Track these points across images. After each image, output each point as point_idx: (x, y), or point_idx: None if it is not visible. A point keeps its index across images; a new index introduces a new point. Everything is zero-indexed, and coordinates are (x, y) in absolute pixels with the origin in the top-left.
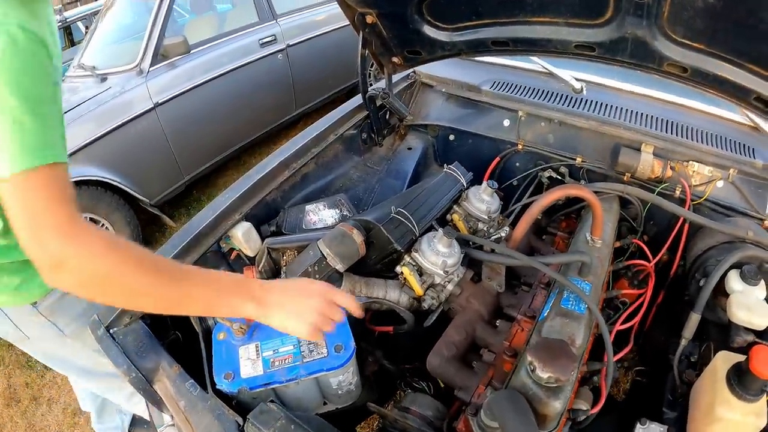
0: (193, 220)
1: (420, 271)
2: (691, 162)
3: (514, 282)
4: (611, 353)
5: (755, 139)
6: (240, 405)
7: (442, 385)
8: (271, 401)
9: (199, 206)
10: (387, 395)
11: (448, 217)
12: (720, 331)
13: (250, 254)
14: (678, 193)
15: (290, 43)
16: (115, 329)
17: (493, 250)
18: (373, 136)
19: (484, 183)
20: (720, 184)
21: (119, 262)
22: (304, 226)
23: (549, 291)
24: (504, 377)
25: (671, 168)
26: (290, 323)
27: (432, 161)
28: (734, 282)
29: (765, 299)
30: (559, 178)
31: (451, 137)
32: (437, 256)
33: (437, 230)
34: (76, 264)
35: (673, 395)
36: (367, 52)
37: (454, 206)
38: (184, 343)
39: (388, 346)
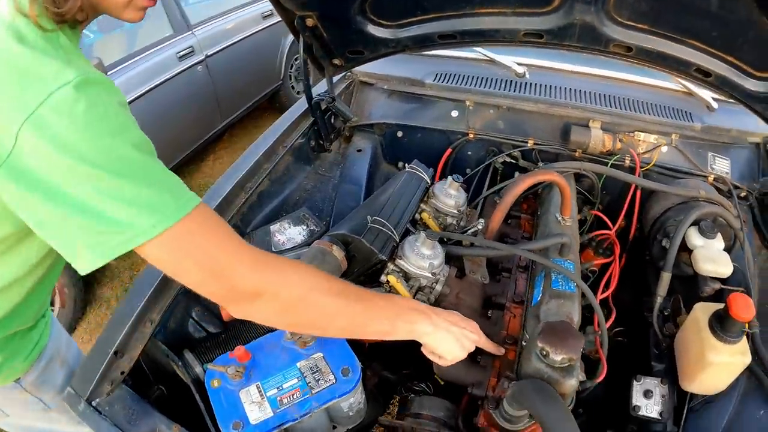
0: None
1: (406, 277)
2: (636, 132)
3: (492, 270)
4: (604, 323)
5: (690, 104)
6: None
7: (441, 383)
8: None
9: None
10: (386, 404)
11: (417, 216)
12: (684, 283)
13: None
14: (628, 162)
15: (209, 54)
16: (97, 401)
17: (472, 244)
18: (321, 142)
19: (449, 178)
20: (665, 149)
21: (313, 285)
22: (273, 249)
23: (528, 273)
24: (510, 365)
25: (620, 140)
26: (452, 346)
27: (381, 160)
28: (695, 238)
29: (723, 249)
30: (513, 162)
31: (399, 134)
32: (423, 259)
33: (414, 233)
34: (274, 291)
35: (658, 349)
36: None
37: (422, 205)
38: (169, 396)
39: (382, 355)
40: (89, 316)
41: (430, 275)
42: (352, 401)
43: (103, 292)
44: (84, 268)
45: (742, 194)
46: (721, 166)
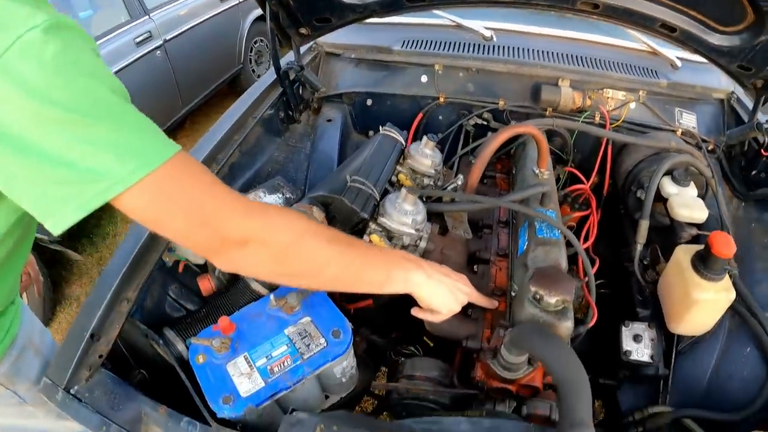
0: (127, 237)
1: (389, 236)
2: (605, 89)
3: (473, 228)
4: (590, 268)
5: (655, 63)
6: (246, 428)
7: (431, 344)
8: (293, 410)
9: (102, 232)
10: (377, 370)
11: (394, 178)
12: (660, 233)
13: (200, 262)
14: (598, 119)
15: (167, 38)
16: (76, 388)
17: (453, 200)
18: (290, 113)
19: (424, 138)
20: (633, 105)
21: (303, 231)
22: None
23: (510, 228)
24: (502, 316)
25: (589, 98)
26: (446, 297)
27: (352, 130)
28: (669, 187)
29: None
30: (485, 124)
31: (369, 102)
32: (405, 215)
33: (394, 192)
34: (263, 238)
35: (642, 295)
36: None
37: (398, 167)
38: (152, 380)
39: (369, 319)
40: (59, 316)
41: (413, 232)
42: (345, 365)
43: (72, 290)
44: (58, 226)
45: (710, 147)
46: (688, 121)
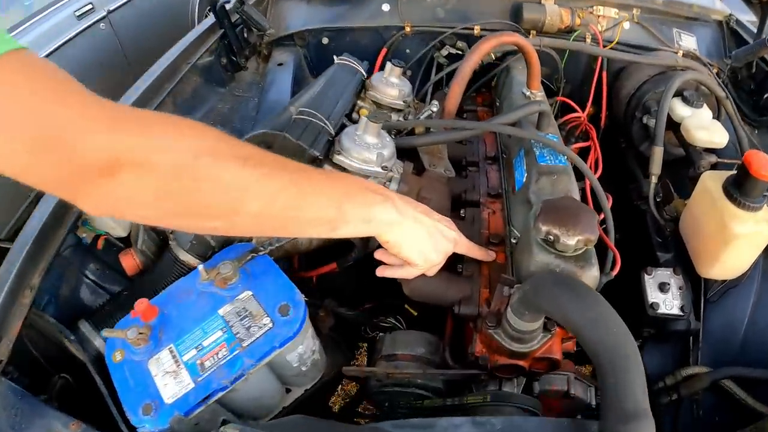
0: (33, 214)
1: None
2: (595, 7)
3: (455, 167)
4: (605, 201)
5: None
6: None
7: (414, 314)
8: (224, 422)
9: None
10: (352, 350)
11: (355, 116)
12: (669, 166)
13: (122, 234)
14: (589, 40)
15: (110, 9)
16: None
17: (428, 129)
18: (234, 59)
19: (388, 64)
20: (627, 25)
21: (204, 147)
22: None
23: (501, 163)
24: (502, 270)
25: (578, 16)
26: (425, 244)
27: (307, 74)
28: (680, 109)
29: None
30: (459, 53)
31: (325, 40)
32: (368, 150)
33: (351, 125)
34: (141, 158)
35: (661, 236)
36: None
37: (359, 102)
38: (78, 387)
39: (335, 288)
40: None
41: (380, 170)
42: (302, 350)
43: None
44: None
45: (714, 71)
46: (688, 42)
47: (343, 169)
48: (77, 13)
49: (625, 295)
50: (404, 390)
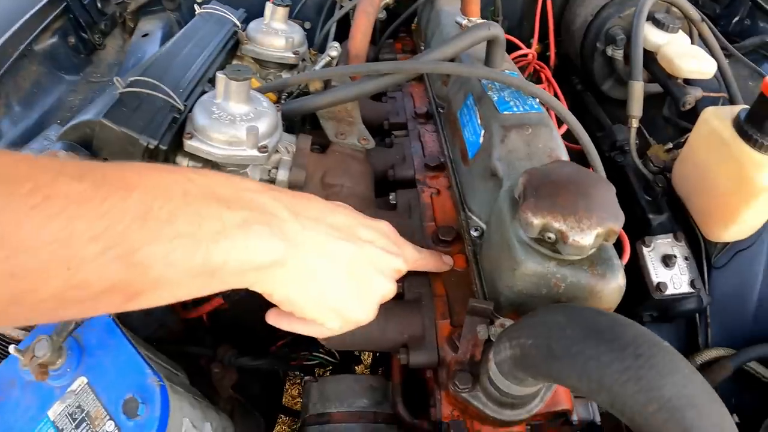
0: None
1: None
2: None
3: (374, 132)
4: (598, 161)
5: None
6: None
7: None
8: None
9: None
10: (276, 396)
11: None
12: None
13: None
14: None
15: None
16: None
17: (328, 84)
18: (86, 37)
19: (269, 5)
20: None
21: None
22: None
23: (439, 120)
24: (464, 282)
25: None
26: (343, 293)
27: None
28: (654, 35)
29: None
30: None
31: None
32: (234, 125)
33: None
34: None
35: (651, 194)
36: None
37: (235, 61)
38: None
39: (230, 328)
40: None
41: (256, 153)
42: None
43: None
44: None
45: None
46: None
47: (205, 161)
48: None
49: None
50: None
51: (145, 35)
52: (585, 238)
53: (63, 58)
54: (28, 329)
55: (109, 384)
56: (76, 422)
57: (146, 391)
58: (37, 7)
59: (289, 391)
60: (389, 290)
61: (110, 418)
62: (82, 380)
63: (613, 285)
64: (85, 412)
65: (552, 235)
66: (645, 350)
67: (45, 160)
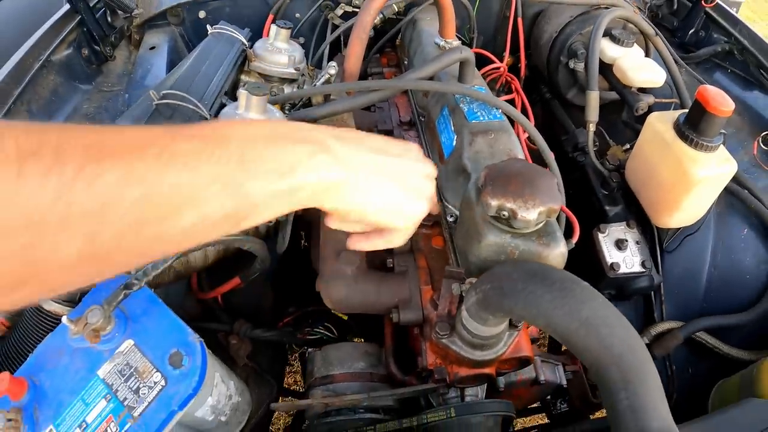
0: None
1: None
2: None
3: None
4: (552, 159)
5: None
6: None
7: (345, 318)
8: None
9: None
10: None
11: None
12: (604, 112)
13: None
14: None
15: None
16: None
17: (328, 98)
18: (98, 49)
19: (273, 27)
20: None
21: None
22: None
23: (420, 128)
24: (442, 257)
25: None
26: (396, 198)
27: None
28: (610, 49)
29: None
30: (356, 10)
31: (202, 14)
32: None
33: (232, 104)
34: None
35: (607, 188)
36: None
37: (243, 76)
38: None
39: (244, 306)
40: None
41: None
42: (214, 401)
43: None
44: None
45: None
46: None
47: None
48: None
49: (576, 255)
50: (350, 418)
51: (152, 48)
52: (530, 214)
53: (77, 69)
54: (72, 304)
55: (154, 344)
56: (125, 377)
57: (189, 346)
58: (52, 20)
59: (286, 379)
60: (428, 188)
61: (157, 371)
62: (129, 342)
63: (556, 252)
64: (134, 368)
65: (506, 213)
66: (568, 285)
67: (158, 128)
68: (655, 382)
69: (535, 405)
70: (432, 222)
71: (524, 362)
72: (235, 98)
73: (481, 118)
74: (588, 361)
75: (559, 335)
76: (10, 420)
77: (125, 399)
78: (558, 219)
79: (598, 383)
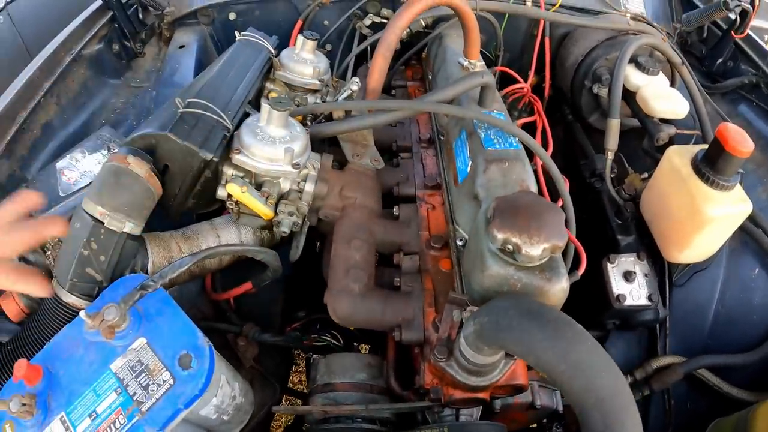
0: None
1: (256, 181)
2: None
3: (384, 153)
4: (565, 189)
5: None
6: None
7: (352, 328)
8: None
9: None
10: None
11: (263, 100)
12: (622, 137)
13: None
14: (530, 3)
15: (8, 0)
16: None
17: (348, 113)
18: (128, 44)
19: (299, 37)
20: None
21: None
22: (61, 193)
23: (438, 146)
24: (447, 280)
25: None
26: None
27: (214, 56)
28: (635, 77)
29: None
30: (385, 21)
31: (232, 16)
32: (274, 145)
33: (255, 114)
34: None
35: (621, 217)
36: None
37: (268, 84)
38: None
39: (254, 310)
40: None
41: (290, 168)
42: (219, 401)
43: None
44: None
45: (663, 35)
46: (635, 5)
47: (247, 171)
48: None
49: (584, 283)
50: (347, 426)
51: (181, 47)
52: (534, 249)
53: (107, 64)
54: (90, 298)
55: (165, 343)
56: (135, 373)
57: (198, 349)
58: (85, 15)
59: (292, 378)
60: None
61: (166, 370)
62: (142, 340)
63: (557, 287)
64: (144, 365)
65: (511, 247)
66: (561, 326)
67: None
68: (635, 428)
69: (532, 427)
70: (442, 244)
71: (519, 389)
72: (259, 107)
73: (497, 146)
74: (572, 402)
75: (548, 374)
76: (24, 404)
77: (135, 394)
78: (566, 249)
79: (581, 424)
